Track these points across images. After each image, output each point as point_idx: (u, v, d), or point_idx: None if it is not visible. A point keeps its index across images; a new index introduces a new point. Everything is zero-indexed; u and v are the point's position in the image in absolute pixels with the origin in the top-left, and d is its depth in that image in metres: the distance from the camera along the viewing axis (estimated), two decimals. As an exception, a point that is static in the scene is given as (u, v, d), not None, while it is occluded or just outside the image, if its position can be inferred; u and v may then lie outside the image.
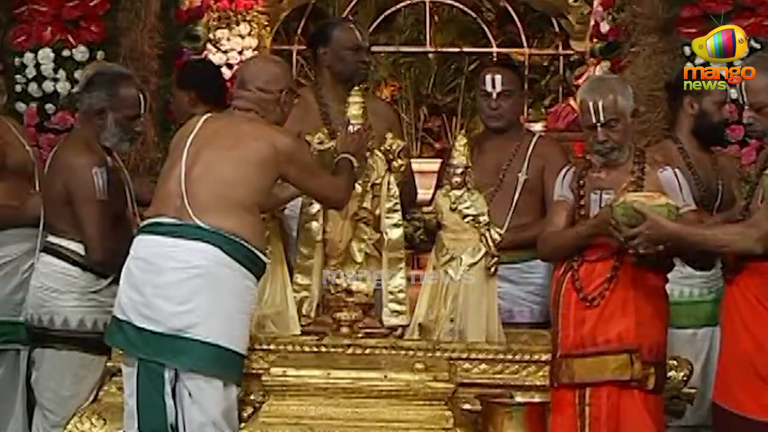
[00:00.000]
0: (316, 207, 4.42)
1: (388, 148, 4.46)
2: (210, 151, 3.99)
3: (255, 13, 7.63)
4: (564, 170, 4.14)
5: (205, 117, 4.17)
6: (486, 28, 8.91)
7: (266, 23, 7.86)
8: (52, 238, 4.52)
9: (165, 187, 4.02)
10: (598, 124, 3.93)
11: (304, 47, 8.61)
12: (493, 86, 4.91)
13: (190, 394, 3.91)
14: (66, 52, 5.68)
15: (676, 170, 3.98)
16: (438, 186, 4.78)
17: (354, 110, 4.45)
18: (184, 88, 5.33)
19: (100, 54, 5.67)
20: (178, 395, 3.92)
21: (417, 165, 6.26)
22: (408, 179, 4.84)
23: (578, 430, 3.85)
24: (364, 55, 4.97)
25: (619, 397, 3.80)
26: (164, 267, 3.91)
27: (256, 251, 3.97)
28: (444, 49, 8.99)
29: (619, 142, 3.96)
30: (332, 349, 4.20)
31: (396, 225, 4.43)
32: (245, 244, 3.93)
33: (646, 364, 3.81)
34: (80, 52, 5.67)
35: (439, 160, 5.58)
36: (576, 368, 3.87)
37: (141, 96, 4.57)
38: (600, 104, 3.92)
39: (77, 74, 5.58)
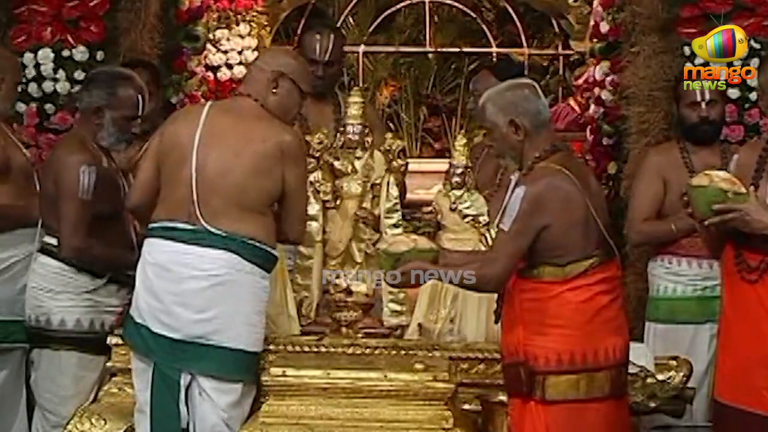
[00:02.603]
0: (315, 207, 4.42)
1: (388, 148, 4.47)
2: (220, 154, 3.93)
3: (255, 13, 7.62)
4: None
5: (206, 110, 4.06)
6: (486, 29, 8.91)
7: (266, 23, 7.85)
8: (47, 238, 4.51)
9: (176, 191, 3.96)
10: None
11: (304, 47, 8.61)
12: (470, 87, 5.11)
13: (200, 394, 3.92)
14: (66, 53, 5.66)
15: (517, 189, 3.75)
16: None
17: (353, 110, 4.45)
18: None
19: (99, 54, 5.66)
20: (190, 395, 3.93)
21: (417, 165, 6.29)
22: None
23: None
24: (319, 69, 4.91)
25: (522, 407, 3.75)
26: (183, 275, 3.90)
27: (270, 250, 3.97)
28: (444, 49, 8.98)
29: (498, 150, 3.93)
30: (332, 349, 4.20)
31: (396, 225, 4.43)
32: (261, 245, 3.93)
33: (542, 374, 3.69)
34: (80, 53, 5.66)
35: (438, 160, 5.62)
36: (504, 379, 3.89)
37: (140, 97, 4.57)
38: (479, 109, 3.94)
39: (77, 74, 5.58)
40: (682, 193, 3.83)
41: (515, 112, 3.79)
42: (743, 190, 3.72)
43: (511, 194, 3.76)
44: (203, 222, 3.90)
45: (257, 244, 3.92)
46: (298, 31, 8.59)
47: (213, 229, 3.89)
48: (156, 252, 3.96)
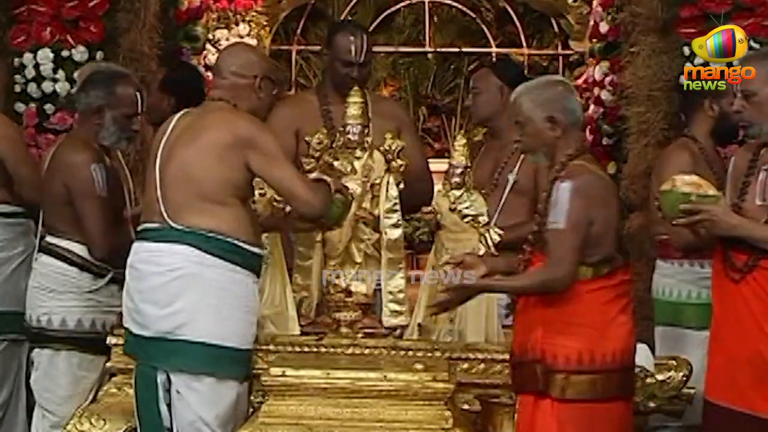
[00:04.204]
0: (315, 207, 4.41)
1: (387, 148, 4.46)
2: (178, 151, 3.97)
3: (254, 14, 7.62)
4: None
5: (178, 115, 4.13)
6: (485, 29, 8.90)
7: (265, 23, 7.85)
8: (50, 239, 4.52)
9: (147, 193, 4.04)
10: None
11: (303, 47, 8.62)
12: (468, 86, 5.09)
13: (178, 392, 3.94)
14: (65, 53, 5.67)
15: (563, 183, 3.75)
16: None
17: (353, 110, 4.45)
18: (165, 92, 5.34)
19: (99, 54, 5.67)
20: (171, 394, 3.95)
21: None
22: (423, 176, 4.88)
23: None
24: (354, 71, 4.87)
25: (534, 405, 3.76)
26: (147, 272, 3.95)
27: (240, 243, 3.94)
28: (443, 50, 8.96)
29: (528, 146, 3.91)
30: (332, 350, 4.20)
31: (395, 225, 4.43)
32: (225, 238, 3.92)
33: (560, 373, 3.70)
34: (79, 53, 5.66)
35: (440, 160, 5.62)
36: (513, 378, 3.89)
37: (138, 95, 4.57)
38: (511, 103, 3.93)
39: (76, 74, 5.58)
40: (654, 198, 3.85)
41: (553, 108, 3.81)
42: (711, 192, 3.74)
43: (549, 193, 3.76)
44: (168, 219, 3.93)
45: (219, 236, 3.91)
46: (298, 30, 8.59)
47: (176, 225, 3.92)
48: (133, 254, 4.03)
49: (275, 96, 4.20)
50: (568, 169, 3.77)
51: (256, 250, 4.01)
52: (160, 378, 3.94)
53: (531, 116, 3.83)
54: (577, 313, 3.72)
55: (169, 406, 3.95)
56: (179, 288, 3.90)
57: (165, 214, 3.93)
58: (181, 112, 4.15)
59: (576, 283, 3.71)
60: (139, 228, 4.05)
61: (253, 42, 7.51)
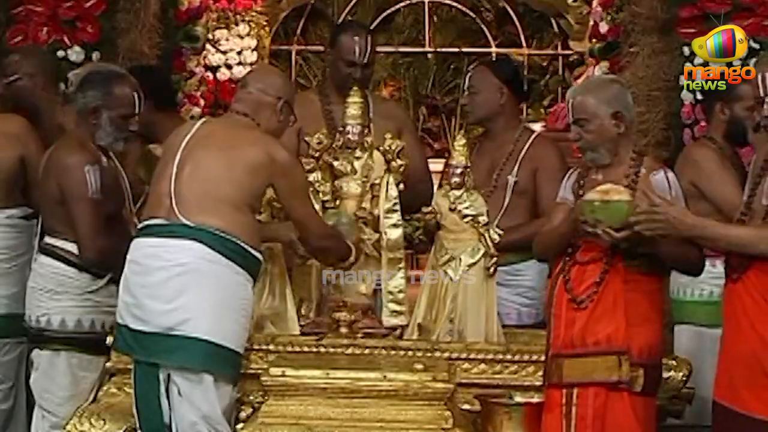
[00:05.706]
0: (315, 207, 4.40)
1: (387, 148, 4.46)
2: (201, 152, 4.00)
3: (254, 14, 7.64)
4: (569, 172, 4.13)
5: (202, 120, 4.21)
6: (485, 29, 8.91)
7: (265, 23, 7.86)
8: (48, 239, 4.51)
9: (157, 189, 4.04)
10: (571, 122, 3.97)
11: (303, 47, 8.63)
12: (464, 84, 5.12)
13: (179, 392, 3.93)
14: (61, 53, 5.67)
15: (669, 173, 3.93)
16: None
17: (353, 110, 4.45)
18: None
19: (95, 55, 5.66)
20: (170, 393, 3.94)
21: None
22: (423, 177, 4.88)
23: (564, 430, 3.83)
24: (358, 71, 4.87)
25: (606, 398, 3.78)
26: (151, 267, 3.94)
27: (246, 247, 3.96)
28: (443, 50, 8.98)
29: (590, 143, 3.92)
30: (331, 350, 4.19)
31: (395, 225, 4.43)
32: (233, 240, 3.93)
33: (636, 366, 3.78)
34: (76, 53, 5.66)
35: (439, 160, 5.62)
36: (565, 369, 3.86)
37: (136, 95, 4.56)
38: (570, 102, 3.95)
39: (70, 75, 5.57)
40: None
41: (618, 105, 3.90)
42: (616, 197, 3.71)
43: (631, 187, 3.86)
44: (178, 215, 3.94)
45: (228, 237, 3.92)
46: (298, 30, 8.60)
47: (185, 221, 3.93)
48: (134, 250, 4.02)
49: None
50: (647, 164, 3.91)
51: (258, 255, 4.03)
52: (162, 375, 3.94)
53: (596, 113, 3.89)
54: (651, 308, 3.84)
55: (169, 401, 3.94)
56: (183, 283, 3.89)
57: (176, 210, 3.94)
58: (202, 120, 4.28)
59: (651, 278, 3.85)
60: (141, 225, 4.05)
61: (253, 42, 7.52)
